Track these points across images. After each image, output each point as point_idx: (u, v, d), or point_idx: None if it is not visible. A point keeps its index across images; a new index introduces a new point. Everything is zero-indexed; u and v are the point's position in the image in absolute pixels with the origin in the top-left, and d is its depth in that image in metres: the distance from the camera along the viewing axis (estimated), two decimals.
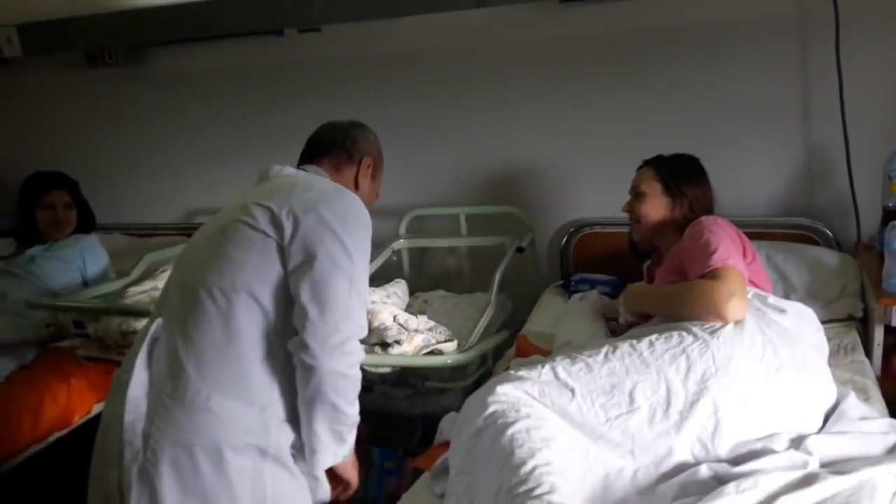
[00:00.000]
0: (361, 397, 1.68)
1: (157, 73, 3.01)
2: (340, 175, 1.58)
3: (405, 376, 2.02)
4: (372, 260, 2.52)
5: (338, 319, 1.28)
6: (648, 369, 1.49)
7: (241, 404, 1.29)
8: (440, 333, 2.03)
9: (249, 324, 1.30)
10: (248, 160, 2.84)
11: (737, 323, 1.54)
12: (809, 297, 2.06)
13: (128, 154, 3.14)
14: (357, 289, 1.33)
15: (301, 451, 1.37)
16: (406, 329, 2.00)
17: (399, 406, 2.07)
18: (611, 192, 2.49)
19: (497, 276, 2.24)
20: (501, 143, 2.65)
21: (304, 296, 1.28)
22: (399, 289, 2.46)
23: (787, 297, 2.06)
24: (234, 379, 1.29)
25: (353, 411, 1.36)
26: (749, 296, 1.63)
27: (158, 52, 2.96)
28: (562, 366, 1.56)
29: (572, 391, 1.50)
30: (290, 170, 1.53)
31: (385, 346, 1.92)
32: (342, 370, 1.30)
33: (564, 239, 2.65)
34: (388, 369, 1.97)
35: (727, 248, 1.66)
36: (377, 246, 2.64)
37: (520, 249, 2.44)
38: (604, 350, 1.57)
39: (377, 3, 2.41)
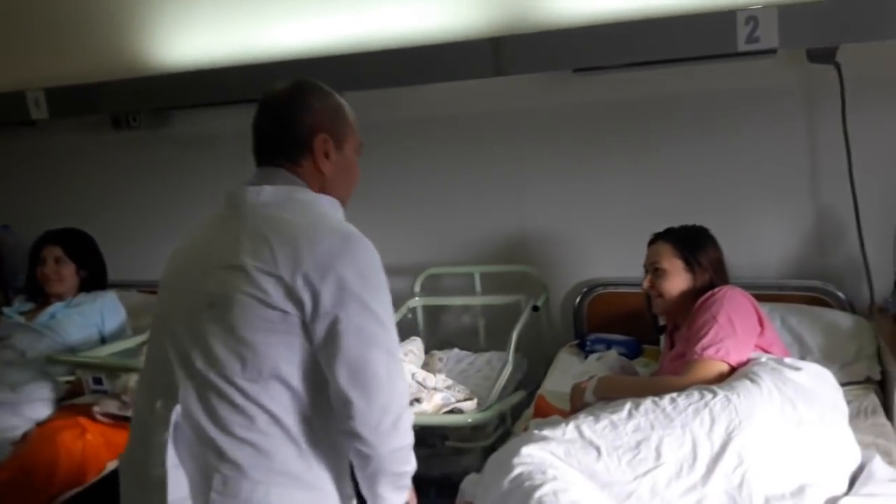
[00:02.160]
0: None
1: (179, 135, 3.09)
2: (302, 169, 1.29)
3: (424, 436, 2.00)
4: None
5: (385, 400, 1.15)
6: (673, 424, 1.52)
7: (301, 491, 1.19)
8: (459, 392, 2.03)
9: (287, 410, 1.16)
10: None
11: (753, 381, 1.57)
12: (826, 360, 2.07)
13: (147, 213, 3.19)
14: (393, 355, 1.19)
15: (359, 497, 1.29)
16: (425, 387, 2.01)
17: (418, 467, 2.05)
18: (623, 252, 2.54)
19: (514, 336, 2.25)
20: (516, 205, 2.71)
21: (343, 381, 1.13)
22: (415, 346, 2.47)
23: (803, 359, 2.07)
24: (288, 467, 1.17)
25: (412, 467, 1.28)
26: (762, 360, 1.70)
27: (181, 115, 3.04)
28: (586, 424, 1.58)
29: (598, 449, 1.52)
30: (268, 192, 1.25)
31: None
32: (399, 445, 1.20)
33: (578, 298, 2.67)
34: None
35: (717, 333, 1.74)
36: (392, 304, 2.70)
37: (535, 308, 2.46)
38: (627, 407, 1.59)
39: (397, 71, 2.51)
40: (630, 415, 1.57)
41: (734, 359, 1.73)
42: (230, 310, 1.14)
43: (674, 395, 1.60)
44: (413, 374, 2.06)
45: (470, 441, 2.00)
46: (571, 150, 2.62)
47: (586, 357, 2.40)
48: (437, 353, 2.55)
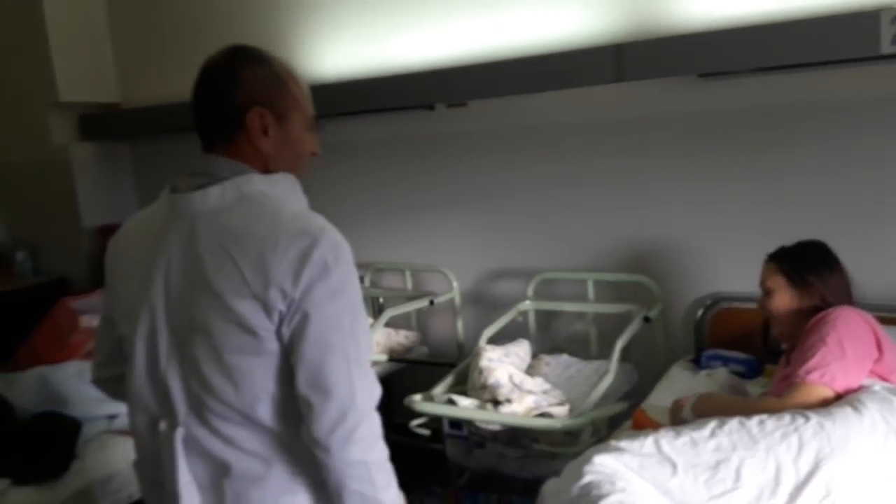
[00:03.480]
0: (475, 453, 1.70)
1: (325, 142, 3.34)
2: (239, 149, 1.19)
3: (516, 436, 2.05)
4: (496, 319, 2.63)
5: (342, 408, 1.11)
6: (757, 446, 1.46)
7: (307, 494, 1.19)
8: (554, 397, 2.05)
9: (284, 423, 1.16)
10: (402, 222, 3.13)
11: (856, 409, 1.46)
12: None
13: None
14: (356, 363, 1.13)
15: None
16: (520, 389, 2.05)
17: (509, 466, 2.10)
18: (750, 266, 2.41)
19: (619, 345, 2.23)
20: (636, 213, 2.66)
21: (302, 386, 1.11)
22: (521, 349, 2.51)
23: None
24: (294, 475, 1.18)
25: (386, 496, 1.17)
26: (875, 388, 1.57)
27: (327, 124, 3.29)
28: (665, 439, 1.55)
29: (674, 466, 1.49)
30: (214, 196, 1.16)
31: (497, 403, 1.97)
32: (359, 458, 1.12)
33: (700, 312, 2.57)
34: (497, 427, 2.01)
35: (824, 356, 1.63)
36: (505, 306, 2.77)
37: (646, 319, 2.41)
38: (711, 425, 1.54)
39: (519, 80, 2.57)
40: (713, 433, 1.52)
41: (840, 385, 1.61)
42: (212, 336, 1.12)
43: (763, 416, 1.52)
44: (511, 376, 2.11)
45: (561, 447, 2.01)
46: (696, 157, 2.53)
47: (699, 373, 2.32)
48: (545, 358, 2.57)
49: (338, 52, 3.13)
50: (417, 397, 2.18)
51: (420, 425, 2.22)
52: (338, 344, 1.11)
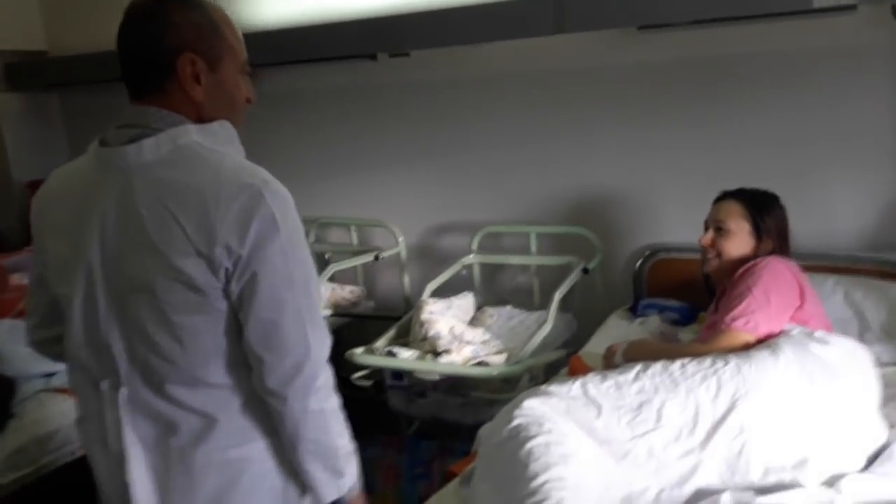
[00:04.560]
0: (417, 402, 1.72)
1: (263, 91, 3.27)
2: (171, 98, 1.12)
3: (455, 385, 2.10)
4: (441, 273, 2.66)
5: (297, 360, 1.11)
6: (678, 388, 1.51)
7: (255, 443, 1.18)
8: (492, 347, 2.09)
9: (232, 377, 1.14)
10: (347, 176, 3.09)
11: (773, 352, 1.53)
12: (886, 337, 1.97)
13: None
14: (310, 314, 1.12)
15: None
16: (459, 340, 2.08)
17: (451, 413, 2.15)
18: (687, 218, 2.47)
19: (557, 295, 2.28)
20: (577, 166, 2.69)
21: (254, 342, 1.10)
22: (465, 301, 2.54)
23: (860, 335, 1.98)
24: (241, 428, 1.16)
25: (342, 442, 1.19)
26: (793, 332, 1.64)
27: (266, 72, 3.22)
28: (592, 383, 1.59)
29: (599, 408, 1.54)
30: (149, 149, 1.10)
31: (437, 354, 2.01)
32: (316, 407, 1.13)
33: (639, 263, 2.64)
34: (437, 377, 2.05)
35: (749, 304, 1.68)
36: (451, 260, 2.79)
37: (585, 270, 2.46)
38: (635, 369, 1.59)
39: (460, 30, 2.54)
40: (637, 377, 1.57)
41: (763, 331, 1.67)
42: (156, 295, 1.08)
43: (686, 360, 1.58)
44: (452, 328, 2.14)
45: (499, 393, 2.06)
46: (636, 110, 2.56)
47: (635, 320, 2.39)
48: (489, 310, 2.61)
49: None
50: (359, 350, 2.20)
51: (364, 377, 2.25)
52: (290, 301, 1.10)
